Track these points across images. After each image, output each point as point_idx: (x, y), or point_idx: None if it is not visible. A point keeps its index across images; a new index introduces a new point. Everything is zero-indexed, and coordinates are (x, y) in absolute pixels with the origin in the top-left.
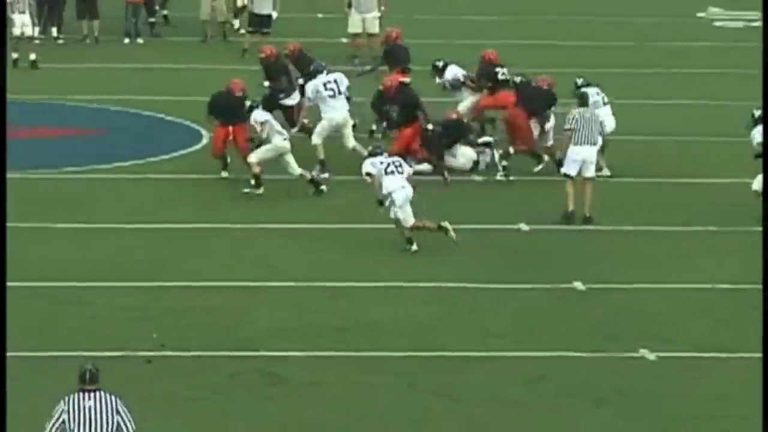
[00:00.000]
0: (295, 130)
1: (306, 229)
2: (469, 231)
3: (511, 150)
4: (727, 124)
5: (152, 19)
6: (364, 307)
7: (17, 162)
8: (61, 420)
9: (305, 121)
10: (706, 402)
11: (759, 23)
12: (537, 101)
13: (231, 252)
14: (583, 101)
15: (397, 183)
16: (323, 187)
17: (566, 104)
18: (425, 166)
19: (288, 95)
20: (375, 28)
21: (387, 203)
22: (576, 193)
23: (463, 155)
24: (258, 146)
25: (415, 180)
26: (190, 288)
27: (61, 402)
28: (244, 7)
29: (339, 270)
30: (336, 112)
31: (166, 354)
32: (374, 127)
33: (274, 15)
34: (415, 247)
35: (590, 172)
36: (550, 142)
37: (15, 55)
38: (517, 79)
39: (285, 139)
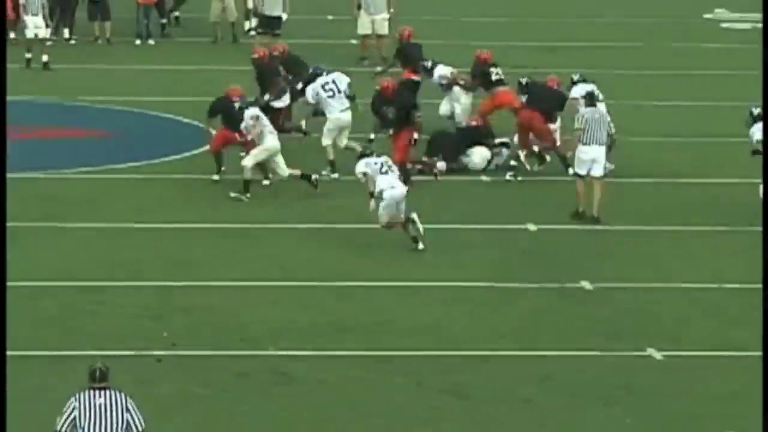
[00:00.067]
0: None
1: (316, 229)
2: (477, 231)
3: (535, 148)
4: (734, 124)
5: (163, 21)
6: (373, 307)
7: (30, 162)
8: (72, 417)
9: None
10: (713, 401)
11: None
12: (548, 101)
13: (242, 252)
14: (591, 101)
15: (390, 182)
16: (315, 177)
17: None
18: (442, 164)
19: (279, 98)
20: (384, 30)
21: (378, 198)
22: (585, 192)
23: (479, 154)
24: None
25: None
26: (201, 287)
27: (72, 399)
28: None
29: (348, 270)
30: (341, 113)
31: (176, 353)
32: (372, 136)
33: (284, 17)
34: (421, 245)
35: (599, 171)
36: (557, 143)
37: (28, 56)
38: (524, 80)
39: (276, 138)
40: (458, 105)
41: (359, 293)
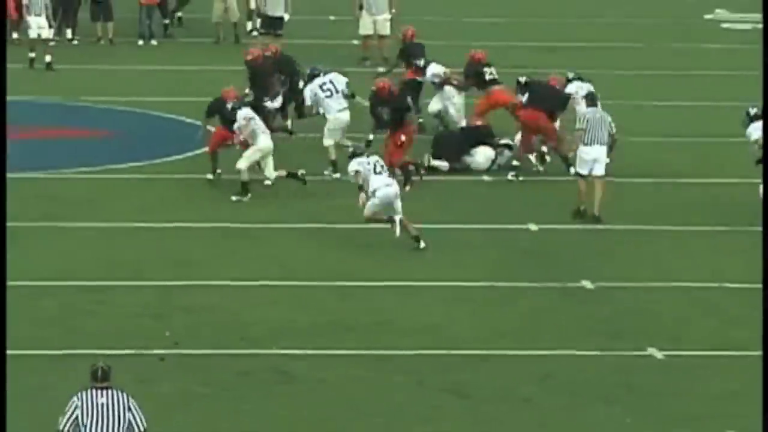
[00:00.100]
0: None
1: (317, 228)
2: (478, 230)
3: (544, 149)
4: (734, 125)
5: (166, 21)
6: (374, 306)
7: (32, 162)
8: (74, 416)
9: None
10: (713, 400)
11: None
12: (551, 101)
13: (242, 251)
14: (593, 101)
15: (383, 181)
16: (301, 172)
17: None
18: (443, 163)
19: (273, 99)
20: (386, 30)
21: (371, 196)
22: (587, 192)
23: (483, 154)
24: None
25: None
26: (203, 287)
27: (75, 398)
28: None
29: (349, 269)
30: (339, 113)
31: (178, 352)
32: (371, 137)
33: (286, 17)
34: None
35: (601, 170)
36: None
37: (31, 55)
38: (522, 80)
39: (269, 138)
40: (451, 105)
41: (360, 293)
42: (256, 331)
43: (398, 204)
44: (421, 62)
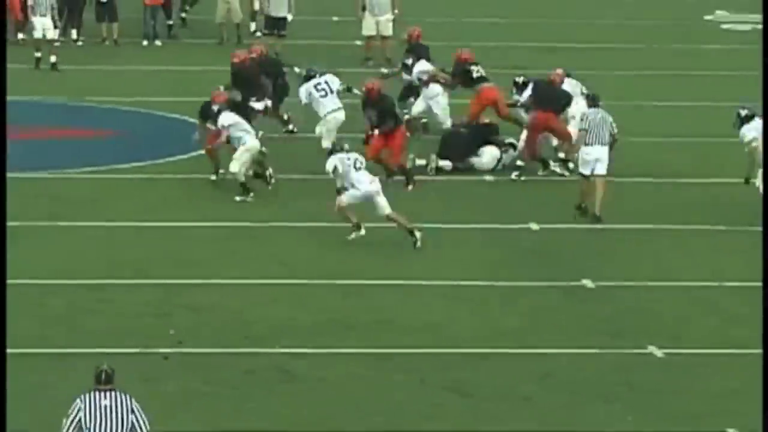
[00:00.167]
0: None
1: (320, 227)
2: (479, 230)
3: (562, 154)
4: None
5: (170, 22)
6: (375, 305)
7: (37, 162)
8: (78, 418)
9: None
10: (713, 398)
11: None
12: (557, 101)
13: (247, 250)
14: (594, 102)
15: (366, 178)
16: (268, 172)
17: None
18: (447, 163)
19: (259, 99)
20: (388, 31)
21: (347, 190)
22: (589, 192)
23: (489, 154)
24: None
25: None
26: (207, 285)
27: (78, 400)
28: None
29: (350, 268)
30: (335, 112)
31: (182, 350)
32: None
33: (290, 18)
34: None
35: (602, 170)
36: (555, 142)
37: (37, 55)
38: (520, 80)
39: (256, 138)
40: (435, 104)
41: (361, 291)
42: (258, 329)
43: (382, 200)
44: (410, 61)
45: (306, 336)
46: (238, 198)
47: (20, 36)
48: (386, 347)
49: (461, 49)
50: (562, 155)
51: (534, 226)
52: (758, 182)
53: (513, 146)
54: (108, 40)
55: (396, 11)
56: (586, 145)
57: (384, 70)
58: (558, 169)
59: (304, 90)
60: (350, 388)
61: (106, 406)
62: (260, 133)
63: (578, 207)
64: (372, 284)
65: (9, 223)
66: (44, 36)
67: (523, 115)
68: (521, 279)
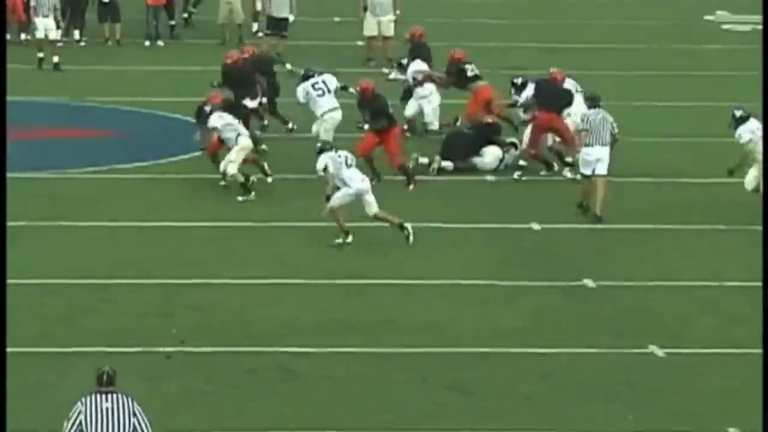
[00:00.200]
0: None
1: (321, 227)
2: (481, 230)
3: (569, 159)
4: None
5: (172, 22)
6: (377, 305)
7: (39, 162)
8: (78, 421)
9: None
10: (713, 397)
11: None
12: (560, 100)
13: (248, 250)
14: (594, 103)
15: (357, 176)
16: (252, 179)
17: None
18: (449, 164)
19: (252, 98)
20: (390, 32)
21: (340, 187)
22: (591, 192)
23: (492, 154)
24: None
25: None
26: (209, 285)
27: (79, 403)
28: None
29: (352, 268)
30: (331, 111)
31: (185, 350)
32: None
33: (291, 18)
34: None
35: (603, 170)
36: (550, 141)
37: (40, 55)
38: (519, 81)
39: (248, 137)
40: (427, 103)
41: (363, 291)
42: (261, 329)
43: (371, 198)
44: (405, 61)
45: (308, 335)
46: (240, 198)
47: (23, 36)
48: (388, 346)
49: (454, 49)
50: (569, 159)
51: (535, 226)
52: (747, 182)
53: (514, 146)
54: (110, 40)
55: (398, 12)
56: (587, 145)
57: (385, 71)
58: (569, 174)
59: (302, 89)
60: (352, 388)
61: (107, 409)
62: (259, 133)
63: (580, 205)
64: (373, 284)
65: (12, 223)
66: (47, 36)
67: (521, 115)
68: (522, 278)
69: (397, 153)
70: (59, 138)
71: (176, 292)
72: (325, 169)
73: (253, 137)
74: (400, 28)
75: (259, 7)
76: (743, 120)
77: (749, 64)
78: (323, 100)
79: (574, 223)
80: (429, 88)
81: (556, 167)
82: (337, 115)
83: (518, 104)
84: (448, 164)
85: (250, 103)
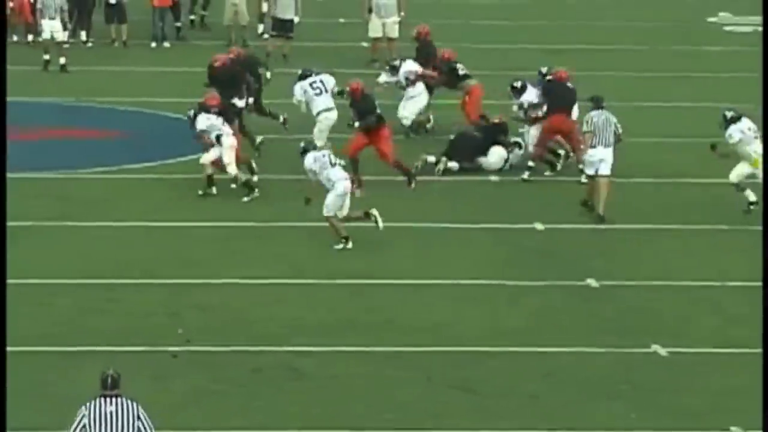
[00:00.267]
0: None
1: (325, 227)
2: (485, 230)
3: (581, 166)
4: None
5: (178, 24)
6: (383, 304)
7: (46, 162)
8: (82, 425)
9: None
10: (714, 396)
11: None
12: (568, 101)
13: (253, 250)
14: (598, 104)
15: (342, 174)
16: (255, 188)
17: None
18: (454, 164)
19: (241, 98)
20: (395, 33)
21: (326, 186)
22: (595, 191)
23: (497, 154)
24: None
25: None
26: (215, 285)
27: (83, 407)
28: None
29: (357, 267)
30: (327, 111)
31: (191, 349)
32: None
33: (297, 20)
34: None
35: (606, 170)
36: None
37: (46, 57)
38: (518, 84)
39: (232, 135)
40: (413, 103)
41: (367, 291)
42: (267, 328)
43: (348, 201)
44: (398, 62)
45: (314, 335)
46: (246, 198)
47: (30, 38)
48: (392, 346)
49: (443, 49)
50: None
51: (539, 226)
52: (731, 175)
53: (519, 145)
54: (117, 41)
55: (402, 13)
56: (591, 146)
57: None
58: (583, 179)
59: (299, 87)
60: (357, 386)
61: (111, 413)
62: (259, 138)
63: (584, 203)
64: (378, 283)
65: (18, 223)
66: (53, 38)
67: (522, 116)
68: (526, 278)
69: (390, 152)
70: (66, 138)
71: (182, 292)
72: (311, 171)
73: (248, 133)
74: (404, 30)
75: (264, 8)
76: (735, 120)
77: (750, 65)
78: (320, 100)
79: (578, 223)
80: (419, 88)
81: (559, 167)
82: (333, 115)
83: (521, 107)
84: (453, 165)
85: (239, 103)
